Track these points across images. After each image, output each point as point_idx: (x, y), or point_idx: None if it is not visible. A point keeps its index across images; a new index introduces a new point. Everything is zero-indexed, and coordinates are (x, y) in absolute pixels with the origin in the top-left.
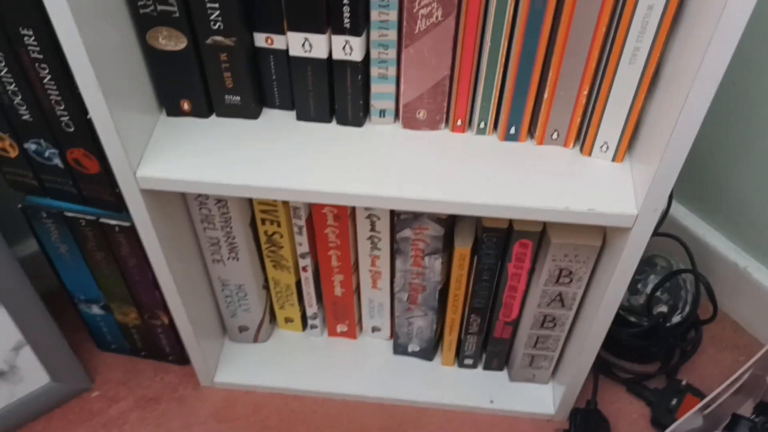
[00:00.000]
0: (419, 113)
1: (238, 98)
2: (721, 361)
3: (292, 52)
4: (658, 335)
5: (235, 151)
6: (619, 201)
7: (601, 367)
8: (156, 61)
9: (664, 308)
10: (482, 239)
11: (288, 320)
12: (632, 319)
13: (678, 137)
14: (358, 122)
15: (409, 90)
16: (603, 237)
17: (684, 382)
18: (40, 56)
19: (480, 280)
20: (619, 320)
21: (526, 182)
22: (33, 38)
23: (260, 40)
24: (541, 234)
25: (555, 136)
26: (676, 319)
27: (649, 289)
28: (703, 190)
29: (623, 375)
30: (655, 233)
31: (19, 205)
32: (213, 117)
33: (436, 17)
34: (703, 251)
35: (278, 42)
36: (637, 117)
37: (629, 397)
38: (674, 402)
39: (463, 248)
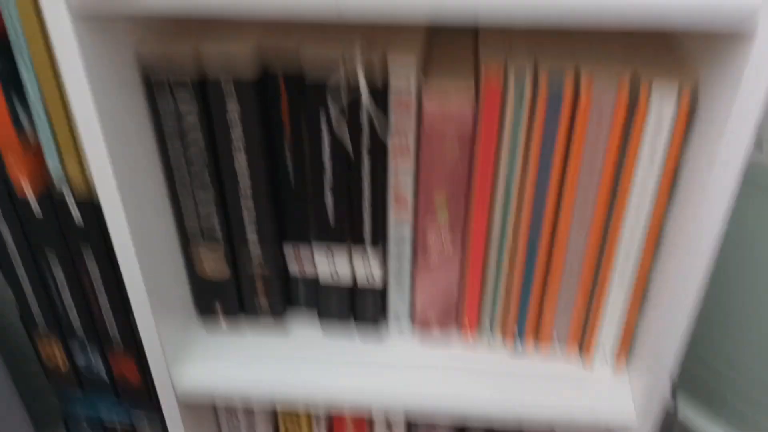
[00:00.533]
0: (432, 327)
1: (270, 315)
2: None
3: (322, 282)
4: None
5: (264, 363)
6: (618, 410)
7: None
8: (200, 286)
9: None
10: None
11: None
12: None
13: (663, 351)
14: (378, 333)
15: (423, 308)
16: None
17: None
18: (99, 277)
19: None
20: None
21: (532, 392)
22: (93, 260)
23: (293, 269)
24: None
25: (557, 348)
26: None
27: None
28: (707, 391)
29: None
30: None
31: (62, 416)
32: (245, 327)
33: (447, 252)
34: None
35: (309, 271)
36: (630, 332)
37: None
38: None
39: None
